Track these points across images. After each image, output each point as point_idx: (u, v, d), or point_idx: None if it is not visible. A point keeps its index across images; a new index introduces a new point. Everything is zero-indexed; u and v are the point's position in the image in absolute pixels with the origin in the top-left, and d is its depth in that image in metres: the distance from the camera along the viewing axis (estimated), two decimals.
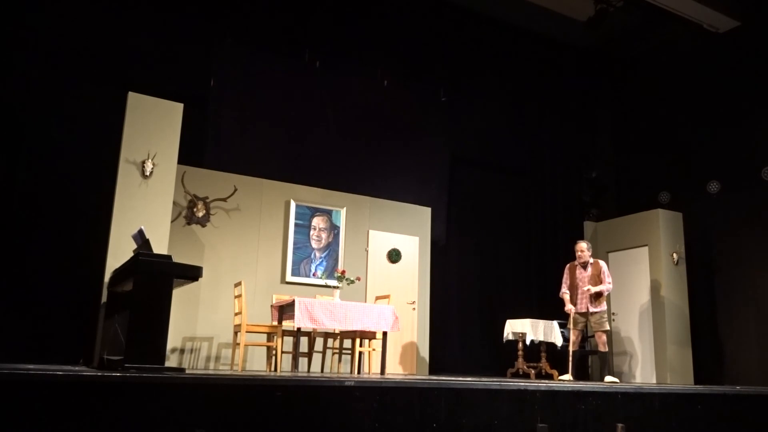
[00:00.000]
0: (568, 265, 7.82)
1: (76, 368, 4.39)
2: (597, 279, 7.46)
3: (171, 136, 6.57)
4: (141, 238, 5.09)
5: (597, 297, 7.41)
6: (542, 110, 10.85)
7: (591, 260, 7.61)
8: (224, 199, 7.75)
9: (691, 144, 9.93)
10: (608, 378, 7.45)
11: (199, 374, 3.80)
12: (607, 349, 7.59)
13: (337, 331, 7.04)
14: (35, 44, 7.27)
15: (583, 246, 7.65)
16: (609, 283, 7.47)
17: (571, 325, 7.58)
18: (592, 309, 7.40)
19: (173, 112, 6.63)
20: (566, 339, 8.79)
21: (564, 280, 7.74)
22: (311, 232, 8.23)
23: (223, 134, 8.30)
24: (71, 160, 7.21)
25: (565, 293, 7.65)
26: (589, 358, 9.79)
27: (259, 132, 8.48)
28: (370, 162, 9.12)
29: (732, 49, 9.52)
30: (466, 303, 9.78)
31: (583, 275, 7.54)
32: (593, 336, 9.53)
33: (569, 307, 7.53)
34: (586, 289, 7.42)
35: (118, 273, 5.56)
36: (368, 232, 8.62)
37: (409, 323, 8.48)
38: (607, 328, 7.50)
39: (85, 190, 7.11)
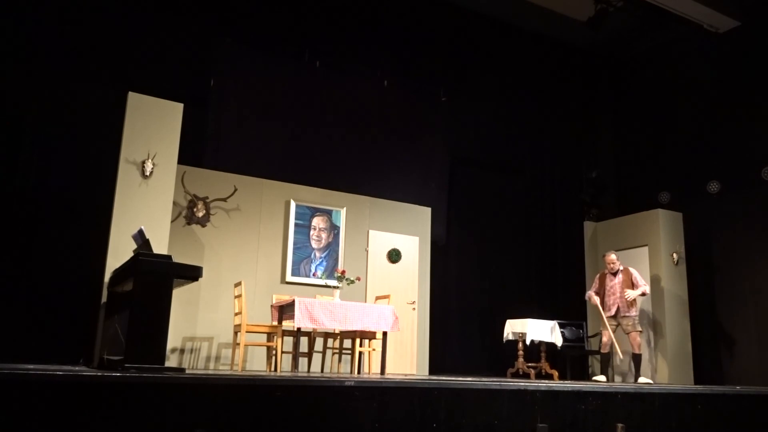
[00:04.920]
0: (598, 274, 8.24)
1: (76, 368, 4.39)
2: (629, 285, 7.81)
3: (171, 136, 6.57)
4: (141, 238, 5.09)
5: (631, 302, 7.77)
6: (542, 110, 10.85)
7: (621, 267, 7.97)
8: (224, 199, 7.75)
9: (691, 144, 9.93)
10: (642, 379, 7.80)
11: (199, 374, 3.80)
12: (641, 351, 7.87)
13: (337, 331, 7.04)
14: (35, 44, 7.26)
15: (613, 257, 8.02)
16: (644, 284, 7.85)
17: (602, 328, 7.99)
18: (623, 313, 7.75)
19: (173, 112, 6.63)
20: (567, 339, 8.81)
21: (593, 285, 8.21)
22: (311, 232, 8.23)
23: (223, 134, 8.29)
24: (71, 160, 7.21)
25: (592, 296, 8.10)
26: (588, 358, 9.81)
27: (259, 132, 8.47)
28: (370, 162, 9.11)
29: (732, 49, 9.52)
30: (466, 303, 9.77)
31: (614, 282, 7.89)
32: (594, 336, 9.62)
33: (594, 300, 8.03)
34: (627, 297, 7.70)
35: (118, 273, 5.56)
36: (368, 232, 8.62)
37: (409, 323, 8.48)
38: (640, 329, 7.85)
39: (85, 190, 7.11)
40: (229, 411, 3.35)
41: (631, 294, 7.69)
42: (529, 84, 10.65)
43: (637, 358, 7.86)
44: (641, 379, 7.83)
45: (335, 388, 3.68)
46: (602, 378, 7.80)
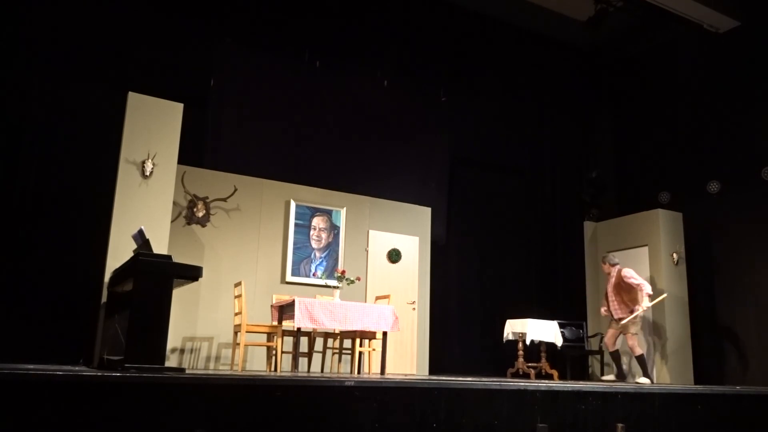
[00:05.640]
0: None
1: (76, 368, 4.39)
2: (620, 287, 7.85)
3: (171, 136, 6.57)
4: (141, 238, 5.09)
5: (624, 304, 7.85)
6: (542, 110, 10.85)
7: (613, 271, 7.99)
8: (224, 199, 7.75)
9: (691, 144, 9.93)
10: (640, 379, 7.82)
11: (199, 374, 3.80)
12: (637, 353, 7.86)
13: (337, 331, 7.04)
14: (35, 44, 7.27)
15: (602, 264, 8.27)
16: (639, 282, 7.73)
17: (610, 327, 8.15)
18: (618, 315, 7.87)
19: (173, 112, 6.63)
20: (567, 339, 8.82)
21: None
22: (311, 232, 8.23)
23: (223, 134, 8.30)
24: (71, 160, 7.21)
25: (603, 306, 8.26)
26: (588, 358, 9.81)
27: (259, 132, 8.47)
28: (370, 162, 9.11)
29: (732, 49, 9.52)
30: (466, 303, 9.77)
31: (609, 285, 8.06)
32: (594, 336, 9.64)
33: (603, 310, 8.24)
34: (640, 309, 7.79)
35: (118, 273, 5.56)
36: (368, 232, 8.62)
37: (409, 323, 8.48)
38: (633, 332, 7.83)
39: (85, 190, 7.11)
40: (229, 411, 3.35)
41: (643, 306, 7.64)
42: (529, 84, 10.65)
43: (637, 359, 7.89)
44: (639, 379, 7.82)
45: (335, 388, 3.68)
46: (610, 377, 7.83)
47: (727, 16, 9.33)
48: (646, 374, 7.82)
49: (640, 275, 8.10)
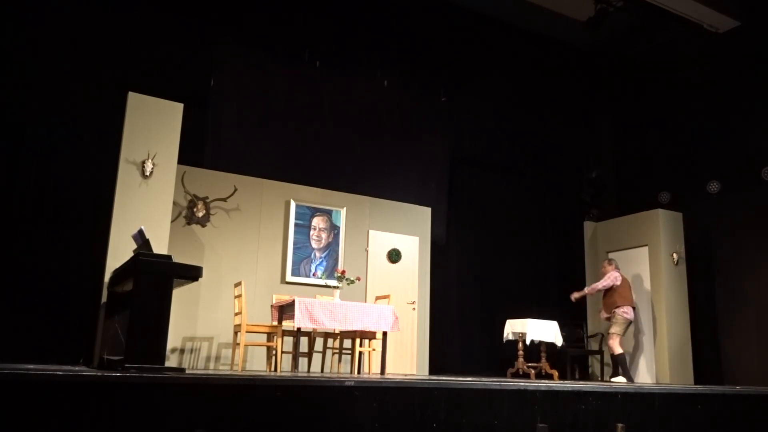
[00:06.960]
0: None
1: (76, 368, 4.39)
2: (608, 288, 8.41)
3: (171, 136, 6.57)
4: (141, 238, 5.09)
5: (607, 306, 8.32)
6: (542, 110, 10.84)
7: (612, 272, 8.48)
8: (224, 199, 7.75)
9: (691, 144, 9.92)
10: (614, 379, 8.11)
11: (199, 374, 3.80)
12: (614, 352, 8.13)
13: (337, 331, 7.04)
14: (35, 44, 7.27)
15: (607, 264, 8.55)
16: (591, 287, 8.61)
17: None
18: (604, 316, 8.51)
19: (173, 112, 6.63)
20: (567, 339, 8.85)
21: None
22: (311, 232, 8.22)
23: (223, 134, 8.30)
24: (71, 160, 7.21)
25: None
26: (588, 359, 9.81)
27: (259, 132, 8.47)
28: (370, 162, 9.11)
29: (732, 49, 9.51)
30: (466, 303, 9.77)
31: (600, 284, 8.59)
32: (594, 336, 9.65)
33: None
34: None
35: (118, 273, 5.57)
36: (368, 232, 8.62)
37: (409, 323, 8.48)
38: (611, 331, 8.16)
39: (85, 190, 7.11)
40: (229, 411, 3.35)
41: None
42: (529, 84, 10.64)
43: (613, 358, 8.22)
44: (614, 379, 8.08)
45: (335, 388, 3.68)
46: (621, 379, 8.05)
47: (727, 16, 9.33)
48: (622, 373, 8.03)
49: (641, 275, 8.21)
